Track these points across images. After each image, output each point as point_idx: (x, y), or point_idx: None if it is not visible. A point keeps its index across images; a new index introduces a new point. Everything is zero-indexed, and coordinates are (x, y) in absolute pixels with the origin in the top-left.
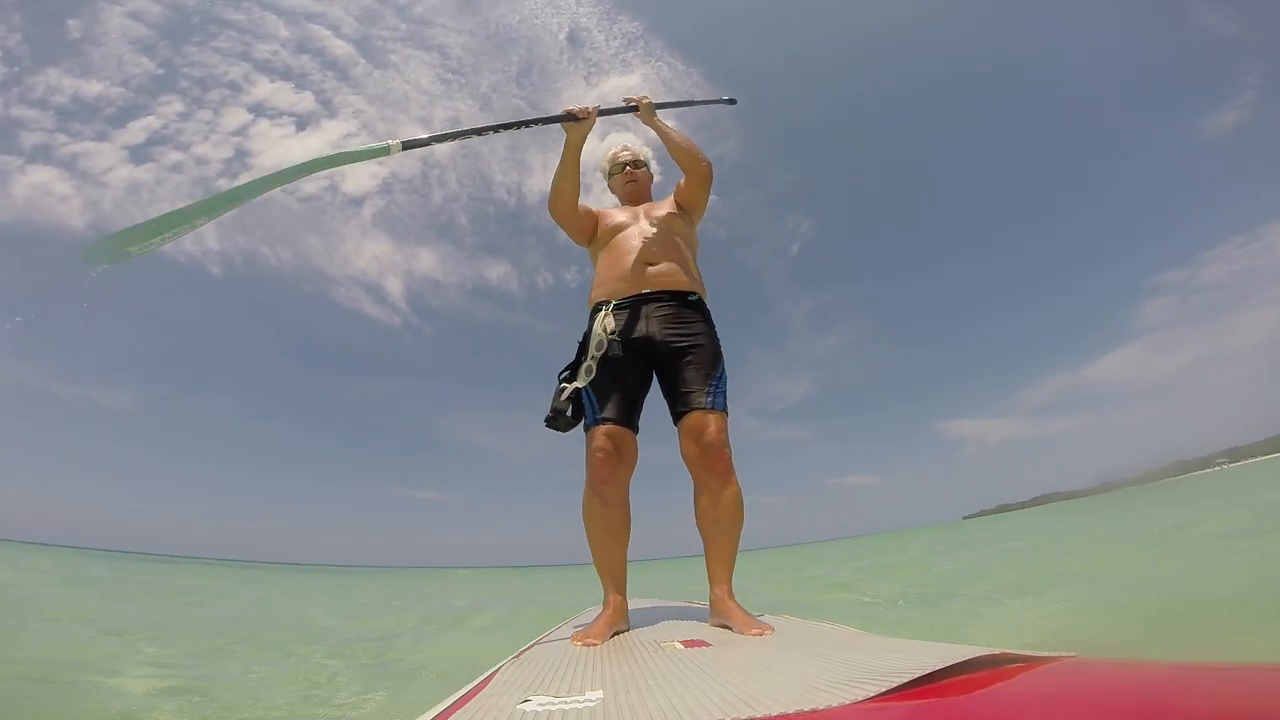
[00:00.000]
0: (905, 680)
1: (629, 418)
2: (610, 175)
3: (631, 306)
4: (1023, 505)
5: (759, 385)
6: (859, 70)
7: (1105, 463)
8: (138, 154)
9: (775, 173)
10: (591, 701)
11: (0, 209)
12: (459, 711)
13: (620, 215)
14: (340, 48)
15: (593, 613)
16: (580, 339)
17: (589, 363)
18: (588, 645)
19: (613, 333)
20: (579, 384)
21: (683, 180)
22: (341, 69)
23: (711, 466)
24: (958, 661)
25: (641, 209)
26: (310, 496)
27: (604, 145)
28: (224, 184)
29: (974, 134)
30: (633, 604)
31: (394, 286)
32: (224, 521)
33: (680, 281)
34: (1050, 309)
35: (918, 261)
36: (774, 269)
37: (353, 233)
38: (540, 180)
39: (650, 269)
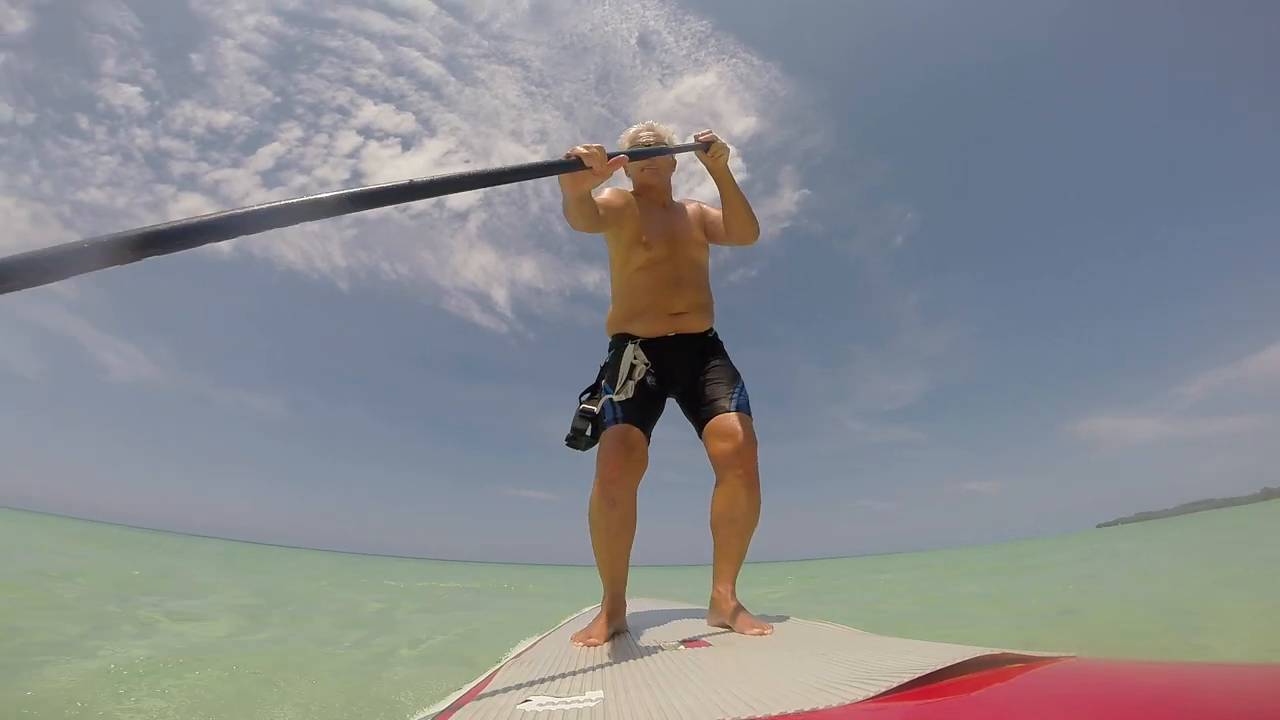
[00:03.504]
0: (905, 680)
1: (644, 425)
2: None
3: (656, 344)
4: (1168, 513)
5: (865, 385)
6: (959, 42)
7: (1270, 467)
8: (269, 178)
9: (871, 162)
10: (591, 701)
11: None
12: (459, 711)
13: (653, 236)
14: (431, 67)
15: (593, 613)
16: (603, 364)
17: (627, 383)
18: (588, 645)
19: (647, 363)
20: (615, 397)
21: (723, 228)
22: (435, 88)
23: (737, 465)
24: (958, 661)
25: (677, 238)
26: (431, 494)
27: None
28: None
29: (1106, 99)
30: (633, 604)
31: (500, 295)
32: (361, 516)
33: (704, 324)
34: (1210, 294)
35: (1043, 247)
36: (877, 262)
37: (461, 245)
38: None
39: (678, 317)
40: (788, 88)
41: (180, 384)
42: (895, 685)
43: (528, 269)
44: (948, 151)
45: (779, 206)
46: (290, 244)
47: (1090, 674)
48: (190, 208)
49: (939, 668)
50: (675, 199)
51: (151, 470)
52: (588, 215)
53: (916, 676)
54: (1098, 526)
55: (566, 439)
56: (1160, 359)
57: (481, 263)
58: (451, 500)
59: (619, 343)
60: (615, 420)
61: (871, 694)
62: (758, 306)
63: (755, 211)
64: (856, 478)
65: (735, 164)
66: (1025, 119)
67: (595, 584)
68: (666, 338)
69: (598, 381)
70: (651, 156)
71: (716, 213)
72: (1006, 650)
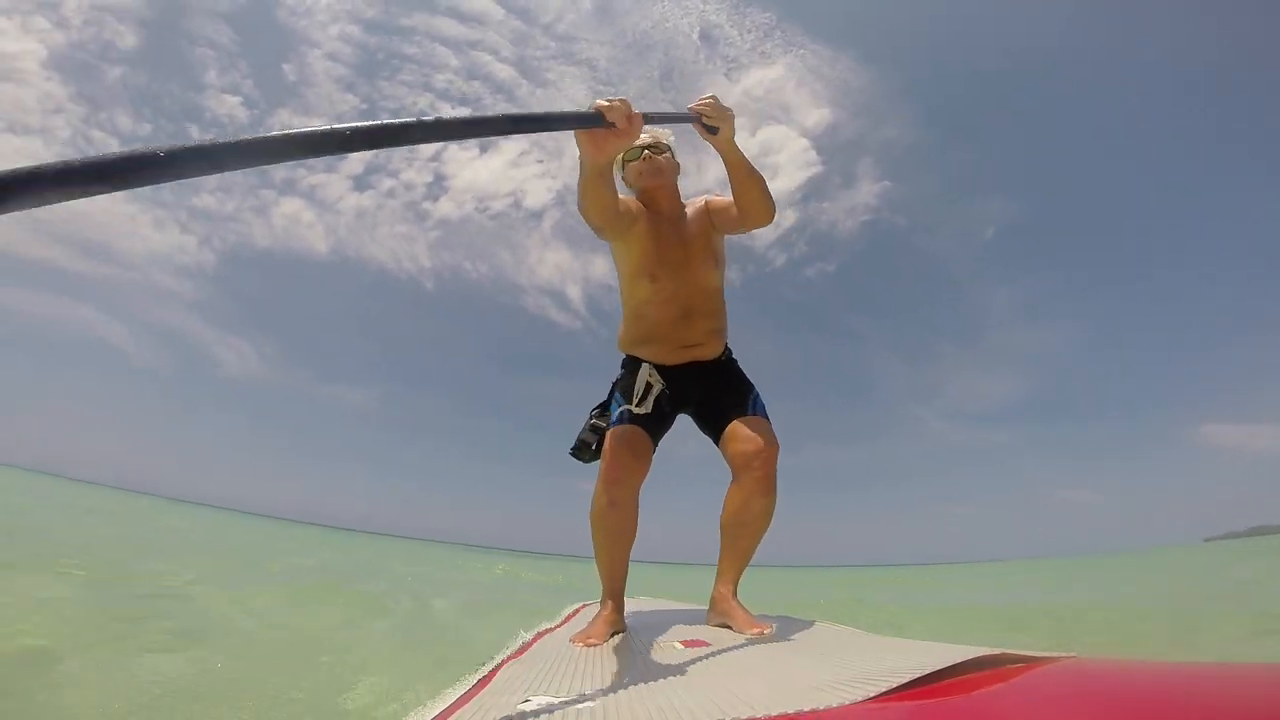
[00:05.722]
0: (905, 680)
1: (652, 433)
2: (625, 162)
3: (668, 370)
4: None
5: (951, 383)
6: (1048, 17)
7: None
8: (360, 183)
9: (956, 150)
10: (591, 701)
11: (264, 235)
12: (459, 711)
13: (660, 268)
14: (503, 70)
15: (592, 612)
16: (615, 380)
17: (645, 398)
18: (588, 645)
19: (663, 383)
20: (634, 409)
21: (735, 211)
22: (508, 91)
23: (755, 467)
24: (958, 661)
25: (688, 264)
26: (514, 485)
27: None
28: (429, 206)
29: (1229, 73)
30: (632, 604)
31: (574, 293)
32: (447, 505)
33: (716, 350)
34: None
35: (1160, 244)
36: (964, 255)
37: (536, 245)
38: (706, 177)
39: (693, 348)
40: (861, 78)
41: (285, 380)
42: (895, 685)
43: (600, 266)
44: (1051, 136)
45: (858, 199)
46: (380, 245)
47: (1090, 674)
48: (289, 211)
49: (939, 668)
50: (683, 197)
51: (266, 458)
52: (606, 198)
53: (916, 676)
54: (1205, 540)
55: (571, 450)
56: None
57: (556, 261)
58: (528, 490)
59: (632, 364)
60: (621, 416)
61: (871, 694)
62: (836, 301)
63: (771, 189)
64: (937, 479)
65: (809, 156)
66: (1140, 98)
67: (650, 578)
68: (679, 365)
69: (609, 398)
70: (668, 123)
71: (724, 200)
72: (1006, 650)
